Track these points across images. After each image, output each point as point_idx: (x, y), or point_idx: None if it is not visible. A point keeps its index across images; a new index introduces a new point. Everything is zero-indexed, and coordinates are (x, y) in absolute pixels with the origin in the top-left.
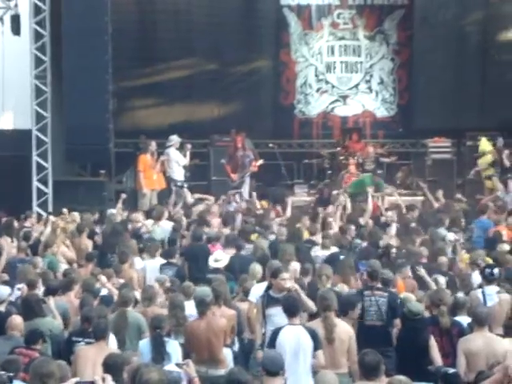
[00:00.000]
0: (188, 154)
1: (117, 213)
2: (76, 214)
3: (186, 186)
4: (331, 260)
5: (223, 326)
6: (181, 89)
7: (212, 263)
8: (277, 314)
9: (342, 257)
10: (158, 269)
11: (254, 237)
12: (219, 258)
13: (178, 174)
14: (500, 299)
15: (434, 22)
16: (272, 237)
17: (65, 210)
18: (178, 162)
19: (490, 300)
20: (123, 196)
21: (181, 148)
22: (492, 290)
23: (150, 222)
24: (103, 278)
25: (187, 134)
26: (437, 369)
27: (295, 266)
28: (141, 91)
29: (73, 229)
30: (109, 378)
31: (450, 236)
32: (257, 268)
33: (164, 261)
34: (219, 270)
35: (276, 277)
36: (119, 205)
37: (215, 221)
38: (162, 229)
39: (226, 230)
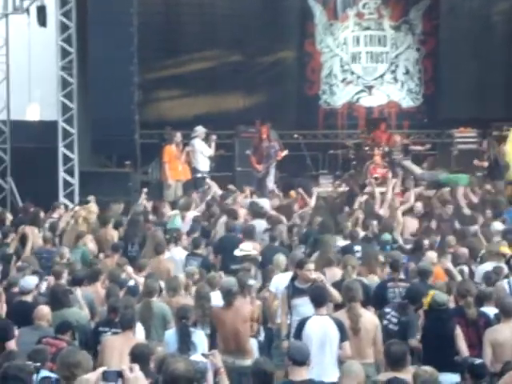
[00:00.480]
0: (213, 144)
1: (140, 205)
2: (93, 205)
3: (207, 177)
4: (346, 251)
5: (250, 315)
6: (206, 80)
7: (237, 252)
8: (302, 305)
9: (356, 247)
10: (183, 259)
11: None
12: (245, 248)
13: (203, 165)
14: None
15: (460, 12)
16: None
17: (91, 197)
18: (202, 152)
19: None
20: (145, 190)
21: (206, 139)
22: None
23: (174, 212)
24: (129, 269)
25: (212, 125)
26: (463, 359)
27: None
28: (166, 83)
29: (94, 219)
30: (137, 367)
31: (498, 226)
32: (281, 258)
33: (186, 252)
34: (248, 260)
35: (302, 268)
36: (142, 198)
37: (241, 211)
38: (180, 219)
39: (256, 221)
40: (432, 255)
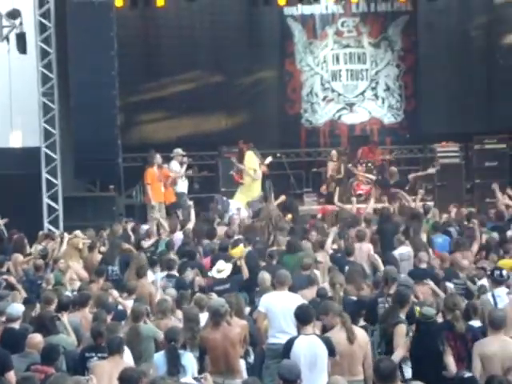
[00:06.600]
0: (184, 165)
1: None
2: (79, 232)
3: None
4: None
5: (239, 335)
6: (187, 102)
7: (215, 274)
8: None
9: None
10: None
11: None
12: (221, 268)
13: (181, 187)
14: (510, 300)
15: (438, 27)
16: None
17: (78, 232)
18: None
19: (500, 302)
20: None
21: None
22: (502, 291)
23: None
24: (115, 293)
25: (195, 147)
26: (455, 374)
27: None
28: (148, 105)
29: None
30: None
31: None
32: (265, 276)
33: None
34: (227, 281)
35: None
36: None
37: (221, 229)
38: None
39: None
40: None
